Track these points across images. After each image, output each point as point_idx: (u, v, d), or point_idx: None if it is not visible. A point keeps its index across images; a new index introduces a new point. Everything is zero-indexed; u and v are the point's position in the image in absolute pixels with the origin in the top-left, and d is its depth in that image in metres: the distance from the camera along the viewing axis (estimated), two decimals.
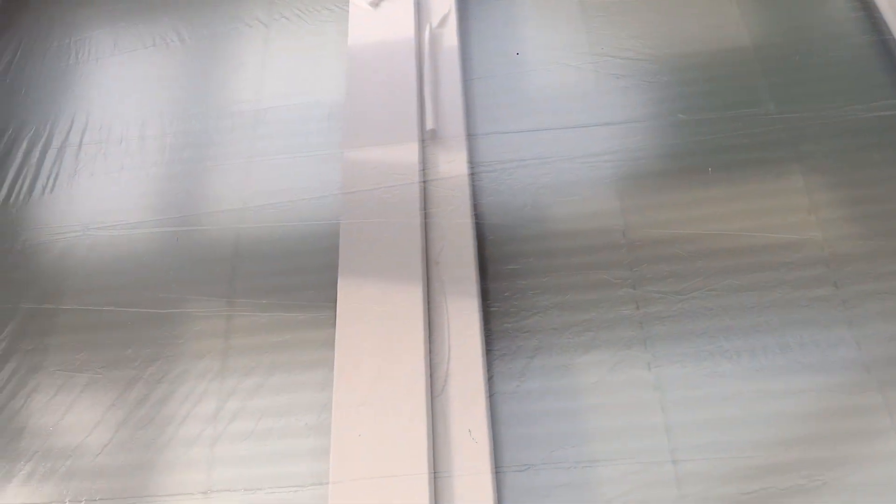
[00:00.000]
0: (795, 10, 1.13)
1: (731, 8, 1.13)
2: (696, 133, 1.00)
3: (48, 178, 1.08)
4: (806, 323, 0.84)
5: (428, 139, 1.00)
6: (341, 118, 1.06)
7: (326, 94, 1.10)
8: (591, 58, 1.08)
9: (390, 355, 0.83)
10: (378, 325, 0.85)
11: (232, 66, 1.16)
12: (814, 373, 0.81)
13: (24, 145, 1.12)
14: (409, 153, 0.97)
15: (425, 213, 0.93)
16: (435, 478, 0.76)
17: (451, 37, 1.11)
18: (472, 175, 0.97)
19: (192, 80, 1.16)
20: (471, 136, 1.01)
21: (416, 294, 0.87)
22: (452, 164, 0.97)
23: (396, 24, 1.12)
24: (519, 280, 0.91)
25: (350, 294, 0.88)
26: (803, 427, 0.78)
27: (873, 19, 1.09)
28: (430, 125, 1.00)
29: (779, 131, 1.00)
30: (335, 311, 0.88)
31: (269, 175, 1.04)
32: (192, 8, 1.24)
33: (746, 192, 0.95)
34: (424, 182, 0.96)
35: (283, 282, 0.95)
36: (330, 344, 0.86)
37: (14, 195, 1.07)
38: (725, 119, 1.01)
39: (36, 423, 0.89)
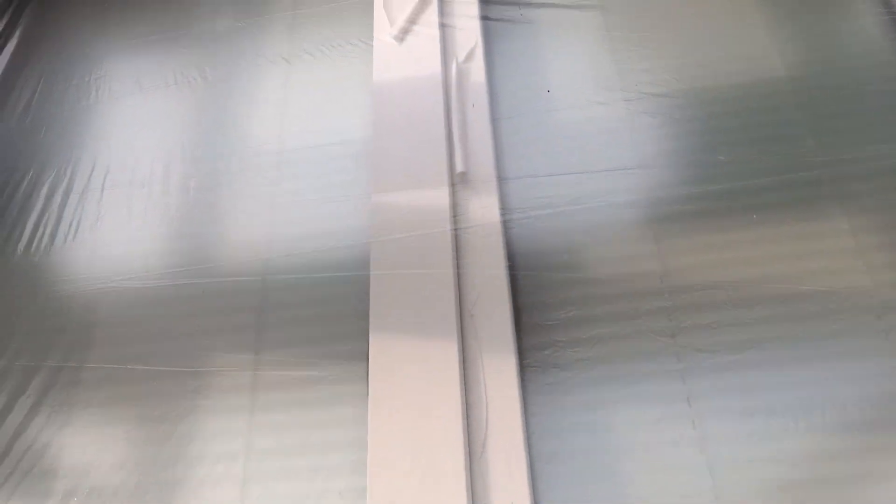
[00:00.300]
0: (830, 38, 1.09)
1: (762, 36, 1.10)
2: (733, 173, 0.97)
3: (70, 225, 1.07)
4: (858, 378, 0.81)
5: (458, 182, 0.97)
6: (368, 159, 1.03)
7: (351, 132, 1.08)
8: (622, 93, 1.05)
9: (426, 414, 0.81)
10: (413, 381, 0.83)
11: (255, 103, 1.14)
12: (868, 431, 0.78)
13: (45, 190, 1.10)
14: (439, 198, 0.95)
15: (458, 263, 0.91)
16: None
17: (478, 72, 1.08)
18: (505, 221, 0.95)
19: (215, 119, 1.14)
20: (502, 180, 0.99)
21: (451, 349, 0.84)
22: (484, 210, 0.94)
23: (422, 59, 1.09)
24: (556, 333, 0.88)
25: (382, 349, 0.86)
26: (858, 490, 0.75)
27: None
28: (459, 168, 0.97)
29: (820, 168, 0.97)
30: (367, 366, 0.85)
31: (295, 219, 1.02)
32: (215, 43, 1.22)
33: (788, 234, 0.91)
34: (456, 229, 0.93)
35: (312, 333, 0.93)
36: (362, 400, 0.84)
37: (36, 243, 1.06)
38: (763, 157, 0.97)
39: (64, 482, 0.87)
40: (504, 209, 0.96)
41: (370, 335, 0.87)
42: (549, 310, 0.90)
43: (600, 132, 1.02)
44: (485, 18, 1.15)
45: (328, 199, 1.02)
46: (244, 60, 1.19)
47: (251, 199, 1.04)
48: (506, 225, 0.95)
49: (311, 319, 0.94)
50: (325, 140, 1.08)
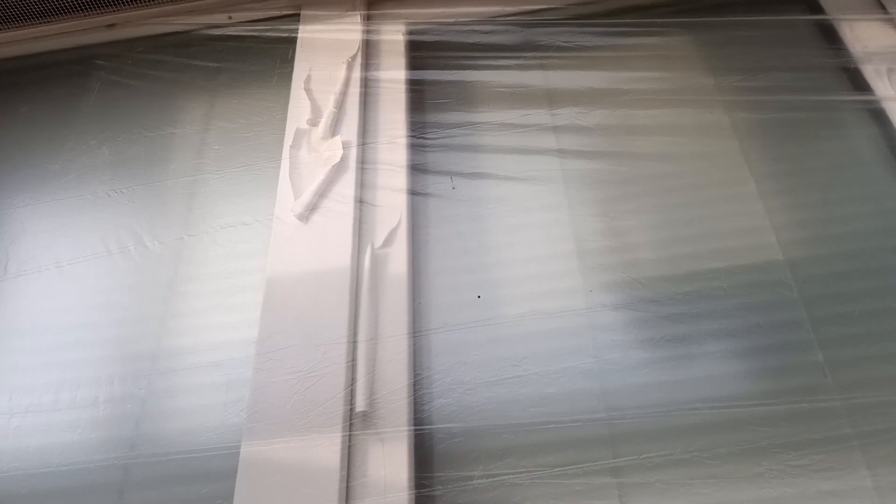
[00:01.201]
0: (841, 216, 0.86)
1: (760, 215, 0.87)
2: (719, 406, 0.72)
3: None
4: None
5: (357, 423, 0.72)
6: (245, 389, 0.78)
7: (232, 349, 0.83)
8: (584, 297, 0.81)
9: None
10: None
11: (142, 287, 0.90)
12: None
13: None
14: (328, 449, 0.69)
15: None
16: None
17: (398, 261, 0.85)
18: (418, 495, 0.68)
19: (96, 309, 0.90)
20: (418, 425, 0.73)
21: None
22: (389, 471, 0.68)
23: (328, 245, 0.86)
24: None
25: None
26: None
27: None
28: (360, 406, 0.72)
29: (830, 390, 0.72)
30: None
31: (159, 437, 0.77)
32: (136, 215, 1.00)
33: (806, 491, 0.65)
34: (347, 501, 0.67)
35: None
36: None
37: None
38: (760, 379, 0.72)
39: None
40: (420, 473, 0.70)
41: None
42: None
43: (556, 337, 0.78)
44: (413, 193, 0.92)
45: (191, 452, 0.76)
46: (140, 227, 0.96)
47: (125, 402, 0.79)
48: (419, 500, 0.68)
49: None
50: (201, 359, 0.83)
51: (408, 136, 0.98)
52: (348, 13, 1.15)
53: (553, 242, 0.89)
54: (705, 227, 0.88)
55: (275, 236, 0.89)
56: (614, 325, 0.80)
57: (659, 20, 1.07)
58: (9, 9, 1.24)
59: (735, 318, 0.79)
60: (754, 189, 0.90)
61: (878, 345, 0.77)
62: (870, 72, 0.94)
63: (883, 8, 1.00)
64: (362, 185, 0.93)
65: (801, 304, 0.80)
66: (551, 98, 1.05)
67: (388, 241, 0.87)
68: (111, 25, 1.25)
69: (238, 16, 1.22)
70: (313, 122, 0.99)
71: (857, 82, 0.95)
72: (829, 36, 1.02)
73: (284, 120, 1.01)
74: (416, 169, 0.96)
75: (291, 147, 0.97)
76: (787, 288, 0.81)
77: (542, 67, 1.08)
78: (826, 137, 0.93)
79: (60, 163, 1.07)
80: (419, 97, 1.05)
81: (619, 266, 0.86)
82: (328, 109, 1.00)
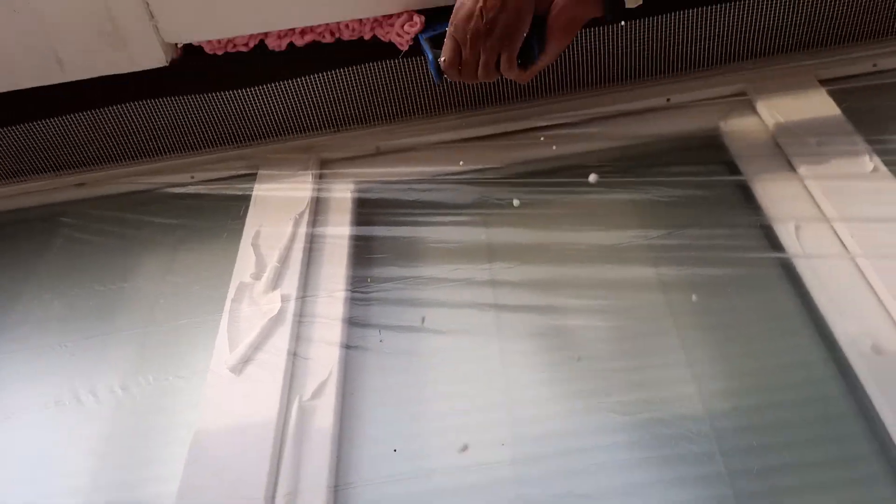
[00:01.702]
0: (760, 368, 0.89)
1: (683, 366, 0.90)
2: None
3: None
4: None
5: None
6: None
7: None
8: (511, 449, 0.82)
9: None
10: None
11: (70, 451, 0.92)
12: None
13: None
14: None
15: None
16: None
17: (325, 413, 0.87)
18: None
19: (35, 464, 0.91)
20: None
21: None
22: None
23: (257, 397, 0.88)
24: None
25: None
26: None
27: None
28: None
29: None
30: None
31: None
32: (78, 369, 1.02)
33: None
34: None
35: None
36: None
37: None
38: None
39: None
40: None
41: None
42: None
43: None
44: (347, 346, 0.95)
45: None
46: (79, 381, 0.98)
47: None
48: None
49: None
50: None
51: (346, 290, 1.02)
52: (301, 172, 1.23)
53: (483, 395, 0.91)
54: (630, 377, 0.91)
55: (207, 389, 0.91)
56: (536, 479, 0.81)
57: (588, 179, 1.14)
58: None
59: (649, 471, 0.80)
60: (678, 343, 0.93)
61: (796, 498, 0.78)
62: (780, 230, 1.00)
63: (793, 168, 1.08)
64: (298, 337, 0.96)
65: (719, 457, 0.81)
66: (491, 253, 1.10)
67: (317, 393, 0.89)
68: (80, 184, 1.33)
69: (199, 175, 1.29)
70: (256, 277, 1.04)
71: (771, 239, 1.01)
72: (746, 195, 1.08)
73: (231, 274, 1.06)
74: (352, 322, 1.00)
75: (233, 300, 1.01)
76: (706, 439, 0.83)
77: (482, 224, 1.14)
78: (745, 292, 0.97)
79: (15, 315, 1.11)
80: (362, 252, 1.10)
81: (546, 417, 0.88)
82: (272, 264, 1.05)
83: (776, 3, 1.22)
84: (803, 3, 1.23)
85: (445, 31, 1.02)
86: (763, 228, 1.03)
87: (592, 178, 1.10)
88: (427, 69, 1.25)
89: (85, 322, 1.08)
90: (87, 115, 1.28)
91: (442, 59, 1.00)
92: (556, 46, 0.98)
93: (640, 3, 0.92)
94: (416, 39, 1.15)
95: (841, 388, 0.85)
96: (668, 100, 1.26)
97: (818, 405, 0.85)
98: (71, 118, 1.28)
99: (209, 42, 1.20)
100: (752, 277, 0.99)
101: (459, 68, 1.00)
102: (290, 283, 1.03)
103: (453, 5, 1.05)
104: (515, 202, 1.13)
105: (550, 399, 0.89)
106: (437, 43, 1.05)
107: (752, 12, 1.23)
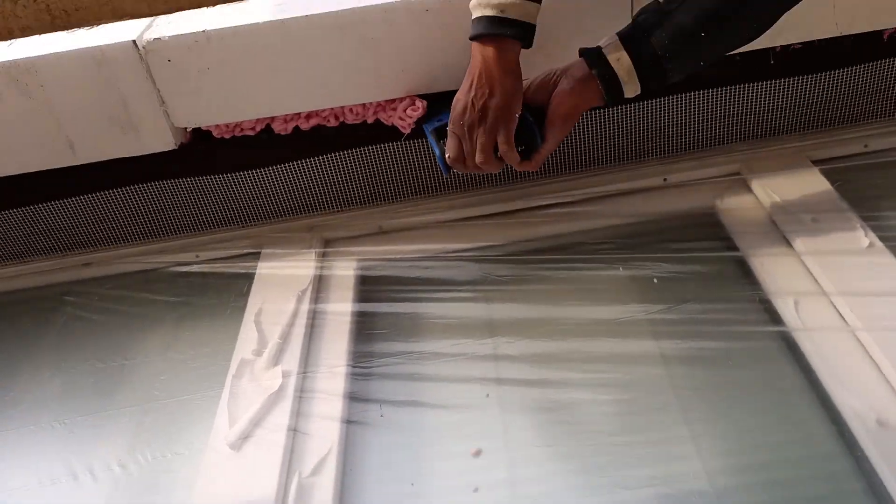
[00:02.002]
0: (764, 444, 0.88)
1: (686, 441, 0.88)
2: None
3: None
4: None
5: None
6: None
7: None
8: None
9: None
10: None
11: None
12: None
13: None
14: None
15: None
16: None
17: (325, 490, 0.85)
18: None
19: None
20: None
21: None
22: None
23: (256, 473, 0.86)
24: None
25: None
26: None
27: None
28: None
29: None
30: None
31: None
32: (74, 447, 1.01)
33: None
34: None
35: None
36: None
37: None
38: None
39: None
40: None
41: None
42: None
43: None
44: (348, 421, 0.95)
45: None
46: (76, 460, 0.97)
47: None
48: None
49: None
50: None
51: (348, 365, 1.02)
52: (304, 251, 1.24)
53: (486, 471, 0.90)
54: (634, 451, 0.90)
55: (205, 466, 0.90)
56: None
57: (591, 256, 1.15)
58: None
59: None
60: (680, 417, 0.92)
61: None
62: (780, 304, 1.00)
63: (789, 244, 1.09)
64: (298, 413, 0.96)
65: None
66: (492, 328, 1.10)
67: (317, 469, 0.88)
68: (87, 264, 1.34)
69: (205, 254, 1.31)
70: (258, 353, 1.04)
71: (771, 313, 1.01)
72: (744, 271, 1.10)
73: (232, 351, 1.06)
74: (353, 397, 0.99)
75: (234, 376, 1.01)
76: None
77: (484, 300, 1.15)
78: (746, 365, 0.97)
79: (13, 394, 1.11)
80: (364, 328, 1.11)
81: (553, 493, 0.86)
82: (273, 340, 1.05)
83: (768, 88, 1.27)
84: (794, 87, 1.27)
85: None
86: (762, 303, 1.04)
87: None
88: (431, 155, 1.28)
89: (83, 399, 1.08)
90: (96, 196, 1.31)
91: (448, 154, 1.04)
92: (558, 135, 1.01)
93: (639, 91, 0.96)
94: (419, 127, 1.19)
95: (847, 464, 0.84)
96: (664, 179, 1.28)
97: (824, 481, 0.83)
98: (79, 200, 1.31)
99: (217, 126, 1.24)
100: (753, 351, 0.99)
101: (464, 161, 1.03)
102: (292, 359, 1.03)
103: (454, 90, 1.10)
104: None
105: (555, 474, 0.88)
106: (441, 134, 1.08)
107: (745, 96, 1.27)
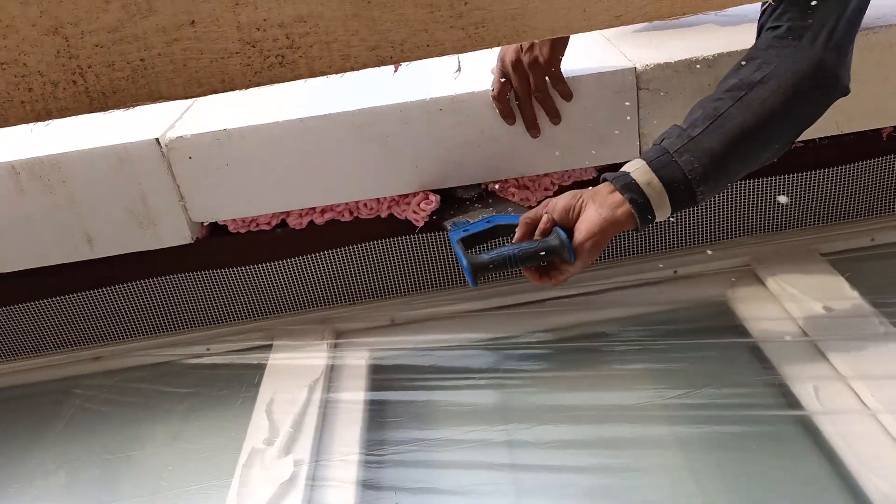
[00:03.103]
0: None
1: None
2: None
3: None
4: None
5: None
6: None
7: None
8: None
9: None
10: None
11: None
12: None
13: None
14: None
15: None
16: None
17: None
18: None
19: None
20: None
21: None
22: None
23: None
24: None
25: None
26: None
27: None
28: None
29: None
30: None
31: None
32: None
33: None
34: None
35: None
36: None
37: None
38: None
39: None
40: None
41: None
42: None
43: None
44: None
45: None
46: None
47: None
48: None
49: None
50: None
51: (360, 453, 1.01)
52: (316, 342, 1.24)
53: None
54: None
55: None
56: None
57: (604, 344, 1.15)
58: None
59: None
60: (700, 502, 0.90)
61: None
62: (798, 389, 1.00)
63: (804, 331, 1.09)
64: (310, 502, 0.93)
65: None
66: (506, 415, 1.09)
67: None
68: (97, 358, 1.34)
69: (216, 347, 1.31)
70: (269, 442, 1.02)
71: (788, 398, 1.00)
72: (759, 357, 1.09)
73: (242, 441, 1.04)
74: (366, 485, 0.97)
75: (244, 466, 0.99)
76: None
77: (497, 387, 1.14)
78: (766, 450, 0.95)
79: (18, 486, 1.08)
80: (376, 416, 1.09)
81: None
82: (285, 429, 1.04)
83: (776, 184, 1.30)
84: (801, 183, 1.31)
85: (476, 231, 1.10)
86: (779, 387, 1.03)
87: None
88: (443, 249, 1.30)
89: (89, 492, 1.05)
90: (109, 290, 1.32)
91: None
92: (587, 259, 0.96)
93: (669, 214, 0.94)
94: (432, 220, 1.22)
95: None
96: (675, 272, 1.30)
97: None
98: (92, 294, 1.32)
99: (233, 221, 1.27)
100: (772, 435, 0.97)
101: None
102: (304, 448, 1.01)
103: (463, 186, 1.14)
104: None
105: None
106: (468, 244, 1.10)
107: (752, 191, 1.30)
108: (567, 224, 0.98)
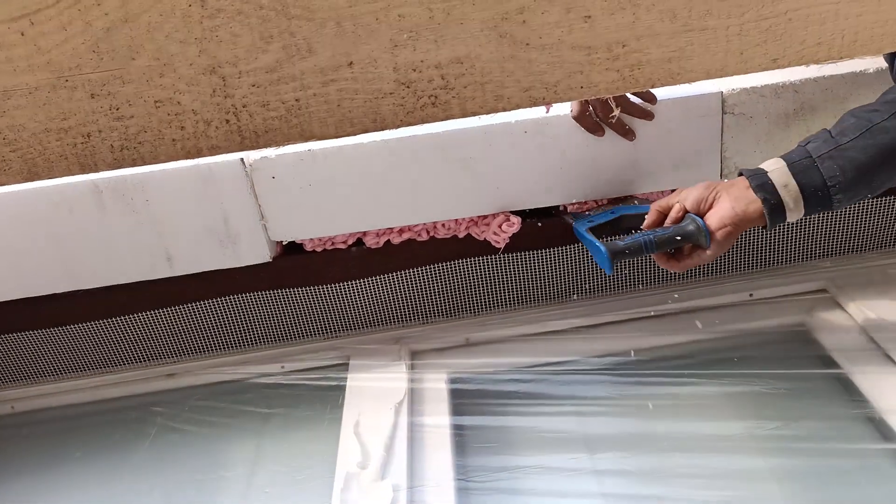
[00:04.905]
0: None
1: None
2: None
3: None
4: None
5: None
6: None
7: None
8: None
9: None
10: None
11: None
12: None
13: None
14: None
15: None
16: None
17: None
18: None
19: None
20: None
21: None
22: None
23: None
24: None
25: None
26: None
27: None
28: None
29: None
30: None
31: None
32: None
33: None
34: None
35: None
36: None
37: None
38: None
39: None
40: None
41: None
42: None
43: None
44: None
45: None
46: None
47: None
48: None
49: None
50: None
51: (455, 480, 1.01)
52: (394, 363, 1.25)
53: None
54: None
55: None
56: None
57: (686, 371, 1.15)
58: (74, 360, 1.35)
59: None
60: None
61: None
62: (894, 421, 0.99)
63: (892, 360, 1.08)
64: None
65: None
66: (588, 442, 1.09)
67: None
68: (171, 375, 1.35)
69: (290, 365, 1.32)
70: (363, 466, 1.02)
71: (884, 431, 1.00)
72: (849, 388, 1.09)
73: (333, 463, 1.04)
74: None
75: (343, 490, 0.99)
76: None
77: (577, 414, 1.14)
78: (862, 483, 0.95)
79: None
80: (463, 441, 1.09)
81: None
82: (378, 453, 1.04)
83: (852, 208, 1.29)
84: (877, 207, 1.30)
85: (602, 221, 1.14)
86: (870, 420, 1.02)
87: None
88: (519, 268, 1.30)
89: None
90: (185, 307, 1.33)
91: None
92: (717, 250, 0.99)
93: (801, 216, 0.95)
94: (513, 241, 1.22)
95: None
96: (750, 295, 1.29)
97: None
98: (166, 311, 1.33)
99: (311, 240, 1.28)
100: (868, 469, 0.97)
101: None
102: (399, 473, 1.01)
103: (548, 207, 1.14)
104: None
105: None
106: (597, 232, 1.12)
107: (830, 213, 1.29)
108: (698, 213, 1.00)
